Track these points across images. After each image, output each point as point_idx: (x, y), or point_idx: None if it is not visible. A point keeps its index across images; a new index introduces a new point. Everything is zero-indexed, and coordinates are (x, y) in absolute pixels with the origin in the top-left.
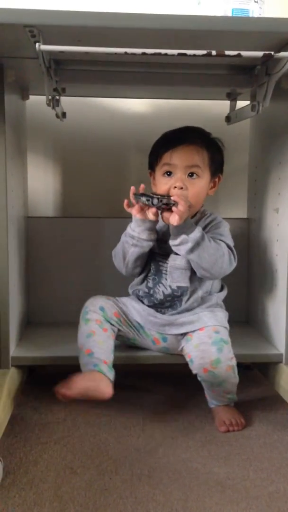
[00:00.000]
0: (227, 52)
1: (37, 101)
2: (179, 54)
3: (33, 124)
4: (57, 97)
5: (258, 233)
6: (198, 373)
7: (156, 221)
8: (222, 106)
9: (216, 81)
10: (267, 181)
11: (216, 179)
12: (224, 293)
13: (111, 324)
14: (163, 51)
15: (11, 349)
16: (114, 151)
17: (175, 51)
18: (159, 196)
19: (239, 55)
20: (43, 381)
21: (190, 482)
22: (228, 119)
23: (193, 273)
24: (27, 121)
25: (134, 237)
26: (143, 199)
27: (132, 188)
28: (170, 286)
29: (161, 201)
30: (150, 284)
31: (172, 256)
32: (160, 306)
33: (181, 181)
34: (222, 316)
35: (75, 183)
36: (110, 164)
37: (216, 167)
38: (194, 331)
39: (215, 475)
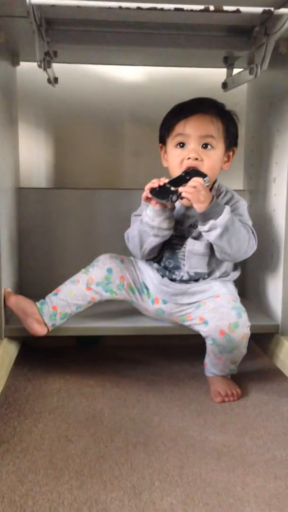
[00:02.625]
0: (225, 8)
1: (28, 68)
2: (176, 9)
3: (24, 93)
4: (49, 59)
5: (255, 204)
6: (212, 335)
7: (173, 208)
8: (218, 75)
9: (213, 43)
10: (264, 151)
11: (230, 153)
12: (238, 273)
13: (107, 290)
14: (159, 5)
15: (3, 321)
16: (108, 121)
17: (171, 6)
18: (177, 190)
19: (237, 11)
20: (37, 354)
21: (186, 449)
22: (224, 85)
23: (211, 257)
24: (18, 89)
25: (154, 227)
26: (160, 197)
27: (148, 186)
28: (188, 272)
29: (179, 195)
30: (166, 266)
31: (190, 240)
32: (172, 279)
33: (195, 152)
34: (233, 288)
35: (67, 153)
36: (103, 134)
37: (231, 139)
38: (207, 298)
39: (211, 443)
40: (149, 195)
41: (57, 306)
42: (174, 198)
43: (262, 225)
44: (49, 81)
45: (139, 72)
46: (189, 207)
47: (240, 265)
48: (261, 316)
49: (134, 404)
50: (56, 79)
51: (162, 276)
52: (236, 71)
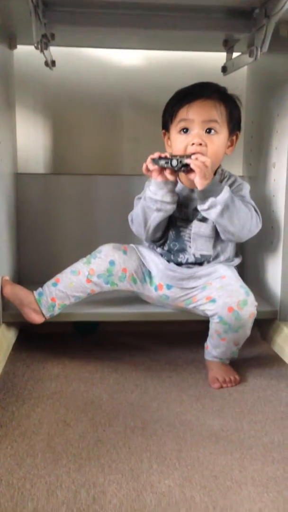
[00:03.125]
0: None
1: (25, 52)
2: None
3: (22, 77)
4: (45, 41)
5: (254, 190)
6: (220, 313)
7: (176, 182)
8: (217, 58)
9: (212, 25)
10: (263, 136)
11: (234, 137)
12: (239, 259)
13: (108, 282)
14: None
15: (1, 306)
16: (106, 106)
17: None
18: (178, 157)
19: None
20: (35, 340)
21: (184, 433)
22: (224, 69)
23: (216, 239)
24: (15, 73)
25: (157, 201)
26: (162, 162)
27: (150, 157)
28: (194, 255)
29: (180, 162)
30: (171, 248)
31: (196, 222)
32: (178, 263)
33: (199, 137)
34: (236, 273)
35: (66, 139)
36: (102, 119)
37: (234, 123)
38: (214, 279)
39: (209, 427)
40: (150, 166)
41: (55, 298)
42: (174, 162)
43: (261, 211)
44: (46, 64)
45: (138, 56)
46: (192, 190)
47: (241, 252)
48: (260, 302)
49: (132, 389)
50: (53, 62)
51: (168, 261)
52: (236, 55)
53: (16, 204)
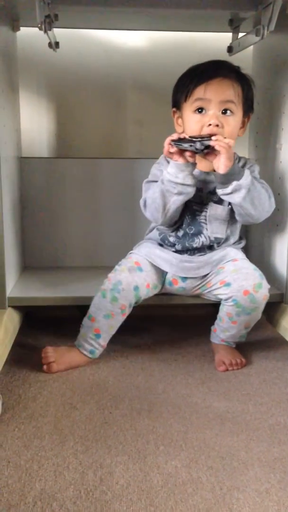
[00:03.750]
0: None
1: (28, 34)
2: None
3: (25, 59)
4: (49, 21)
5: (260, 172)
6: (234, 296)
7: (195, 164)
8: (222, 39)
9: (218, 3)
10: (270, 117)
11: (246, 119)
12: (244, 242)
13: (136, 301)
14: None
15: (7, 290)
16: (110, 88)
17: None
18: (199, 138)
19: None
20: (41, 324)
21: (190, 415)
22: (230, 49)
23: (229, 222)
24: (18, 55)
25: (178, 184)
26: (185, 144)
27: (168, 139)
28: (209, 237)
29: (203, 144)
30: (186, 233)
31: (212, 205)
32: (191, 252)
33: (216, 118)
34: (245, 255)
35: (69, 122)
36: (106, 102)
37: (249, 105)
38: (226, 262)
39: (215, 409)
40: (171, 148)
41: (105, 343)
42: (198, 145)
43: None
44: (50, 45)
45: (141, 38)
46: (208, 173)
47: (245, 236)
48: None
49: (138, 373)
50: (57, 44)
51: (182, 250)
52: (241, 35)
53: (19, 187)
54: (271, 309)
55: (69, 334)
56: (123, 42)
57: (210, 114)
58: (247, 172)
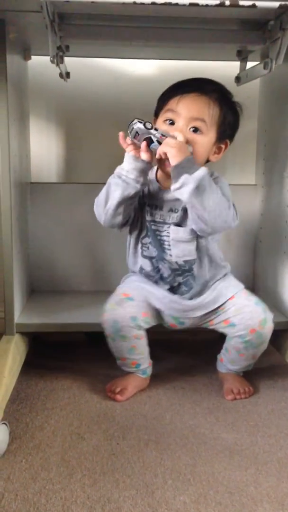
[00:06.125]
0: (241, 3)
1: (39, 62)
2: (191, 4)
3: (36, 87)
4: (61, 54)
5: (267, 199)
6: (242, 335)
7: (150, 165)
8: (230, 68)
9: (226, 38)
10: (276, 145)
11: (223, 145)
12: (227, 264)
13: (143, 327)
14: (173, 0)
15: (15, 316)
16: (119, 115)
17: (186, 1)
18: (162, 133)
19: (253, 6)
20: (48, 350)
21: (198, 447)
22: (238, 79)
23: (197, 242)
24: (29, 83)
25: (121, 176)
26: (138, 125)
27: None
28: (176, 262)
29: (163, 135)
30: (152, 254)
31: (173, 228)
32: (176, 288)
33: (182, 133)
34: (235, 281)
35: (78, 148)
36: (114, 128)
37: (226, 130)
38: (222, 304)
39: (223, 441)
40: (127, 140)
41: (150, 361)
42: (148, 125)
43: (275, 221)
44: (61, 76)
45: (150, 66)
46: (168, 191)
47: (252, 263)
48: (273, 313)
49: (145, 401)
50: (68, 74)
51: (174, 292)
52: (249, 64)
53: (28, 213)
54: (278, 336)
55: (76, 359)
56: (132, 70)
57: (178, 127)
58: (202, 168)
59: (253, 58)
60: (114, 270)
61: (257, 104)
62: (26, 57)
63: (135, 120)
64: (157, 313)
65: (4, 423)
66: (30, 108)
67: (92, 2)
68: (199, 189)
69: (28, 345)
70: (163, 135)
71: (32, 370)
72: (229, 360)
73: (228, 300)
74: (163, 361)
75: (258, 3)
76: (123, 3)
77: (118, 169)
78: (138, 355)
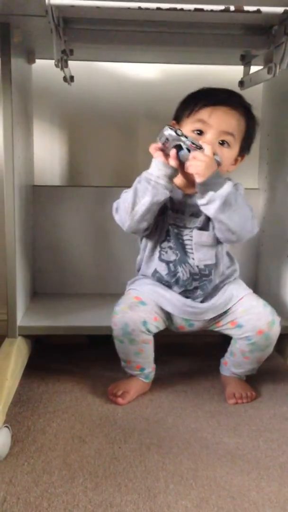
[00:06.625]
0: (246, 8)
1: (43, 66)
2: (196, 10)
3: (39, 90)
4: (65, 58)
5: (269, 203)
6: (249, 336)
7: (177, 172)
8: (234, 72)
9: (230, 42)
10: (279, 149)
11: (239, 158)
12: (237, 265)
13: (152, 332)
14: (178, 5)
15: (18, 319)
16: (122, 119)
17: (191, 6)
18: (192, 141)
19: (258, 11)
20: (50, 352)
21: (200, 451)
22: (241, 84)
23: (216, 247)
24: (33, 87)
25: (151, 182)
26: (172, 133)
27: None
28: (197, 266)
29: (193, 143)
30: (169, 258)
31: (196, 232)
32: (190, 292)
33: (212, 145)
34: (244, 284)
35: (82, 151)
36: (118, 132)
37: (247, 144)
38: (234, 304)
39: (225, 445)
40: (157, 146)
41: (153, 366)
42: (179, 132)
43: (277, 225)
44: (65, 79)
45: (154, 69)
46: (190, 196)
47: (254, 264)
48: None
49: (147, 404)
50: (72, 78)
51: (183, 294)
52: (253, 68)
53: (32, 216)
54: (281, 341)
55: (78, 362)
56: (136, 74)
57: (207, 139)
58: (228, 184)
59: (257, 63)
60: (117, 273)
61: (260, 108)
62: (30, 60)
63: (166, 127)
64: (168, 317)
65: (6, 426)
66: (34, 111)
67: (97, 7)
68: (225, 205)
69: (30, 347)
70: (193, 143)
71: (34, 373)
72: (233, 363)
73: (238, 301)
74: (165, 364)
75: (262, 9)
76: (128, 8)
77: (146, 174)
78: (144, 358)
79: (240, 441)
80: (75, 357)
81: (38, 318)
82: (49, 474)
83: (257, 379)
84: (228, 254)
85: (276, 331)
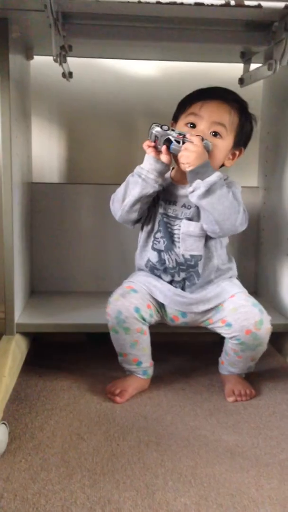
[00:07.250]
0: (246, 3)
1: (41, 62)
2: (196, 4)
3: (38, 87)
4: (64, 54)
5: (269, 201)
6: (237, 336)
7: (168, 167)
8: (233, 69)
9: (230, 38)
10: (279, 147)
11: (237, 152)
12: (235, 264)
13: (147, 321)
14: (178, 0)
15: (16, 316)
16: (122, 116)
17: (191, 0)
18: (179, 133)
19: (259, 6)
20: (48, 350)
21: (199, 449)
22: (241, 81)
23: (207, 240)
24: (31, 83)
25: (141, 175)
26: (159, 129)
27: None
28: (183, 255)
29: (180, 133)
30: (161, 247)
31: (185, 222)
32: (178, 282)
33: (203, 134)
34: (241, 285)
35: (80, 148)
36: (117, 129)
37: (242, 138)
38: (223, 301)
39: (224, 443)
40: (150, 143)
41: (151, 362)
42: (165, 127)
43: (276, 223)
44: (63, 75)
45: (153, 67)
46: (183, 187)
47: (255, 262)
48: (274, 315)
49: (146, 402)
50: (70, 74)
51: (167, 281)
52: (253, 66)
53: (30, 213)
54: (280, 339)
55: (76, 360)
56: (135, 71)
57: (199, 130)
58: (216, 174)
59: (256, 60)
60: (115, 271)
61: (260, 106)
62: (29, 56)
63: (153, 125)
64: (161, 308)
65: (3, 423)
66: (32, 108)
67: (97, 1)
68: (209, 193)
69: (28, 345)
70: (180, 134)
71: (32, 370)
72: (229, 362)
73: (229, 297)
74: (164, 363)
75: (263, 3)
76: (128, 2)
77: (138, 169)
78: (140, 351)
79: (239, 439)
80: (74, 355)
81: (36, 316)
82: (47, 471)
83: (257, 377)
84: (227, 253)
85: (265, 330)
